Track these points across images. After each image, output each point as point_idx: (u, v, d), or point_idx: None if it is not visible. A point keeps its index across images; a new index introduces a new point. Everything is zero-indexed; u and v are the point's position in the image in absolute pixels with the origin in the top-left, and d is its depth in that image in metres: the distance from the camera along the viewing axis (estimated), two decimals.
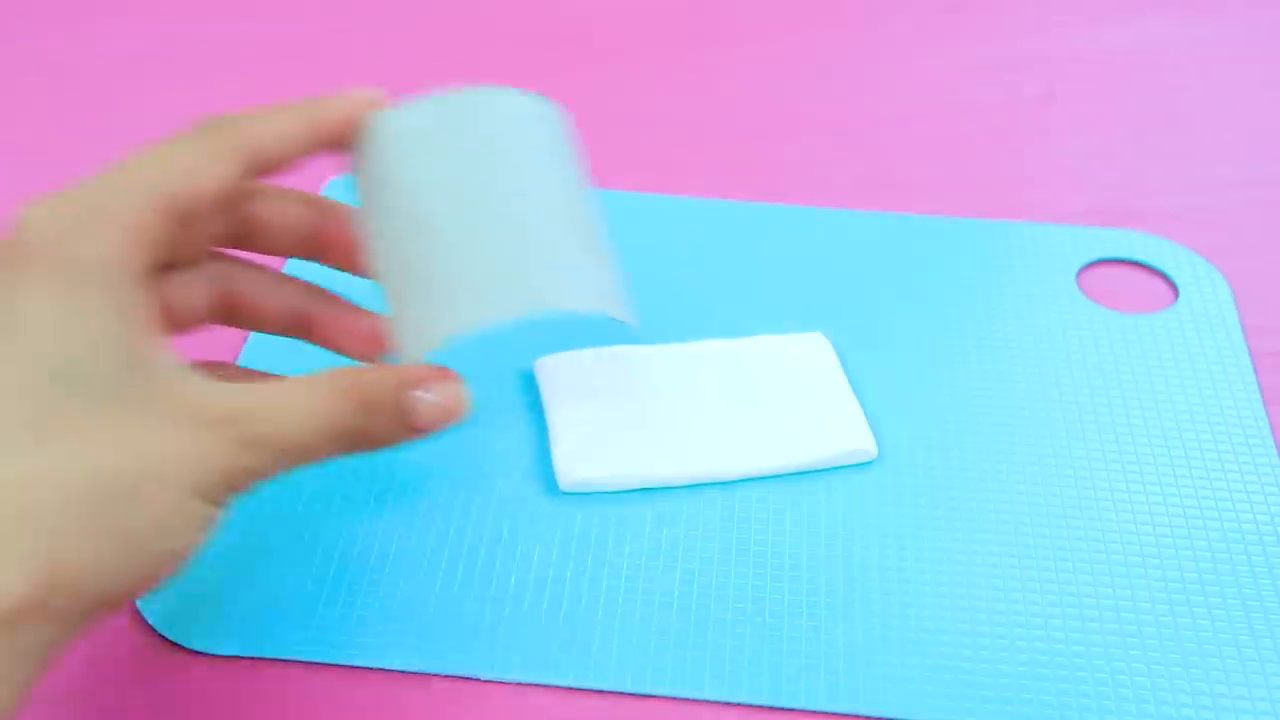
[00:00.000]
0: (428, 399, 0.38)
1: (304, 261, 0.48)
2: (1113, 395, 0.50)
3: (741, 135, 0.63)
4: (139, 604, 0.42)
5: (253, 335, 0.51)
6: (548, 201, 0.39)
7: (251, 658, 0.41)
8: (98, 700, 0.40)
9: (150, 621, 0.42)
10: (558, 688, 0.40)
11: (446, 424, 0.38)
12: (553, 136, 0.41)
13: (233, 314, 0.41)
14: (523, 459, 0.47)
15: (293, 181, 0.59)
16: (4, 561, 0.31)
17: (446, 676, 0.40)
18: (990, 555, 0.44)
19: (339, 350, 0.42)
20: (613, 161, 0.61)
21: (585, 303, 0.38)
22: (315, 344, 0.42)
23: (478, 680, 0.40)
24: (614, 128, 0.63)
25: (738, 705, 0.40)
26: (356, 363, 0.44)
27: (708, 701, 0.40)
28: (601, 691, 0.40)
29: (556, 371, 0.49)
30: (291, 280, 0.42)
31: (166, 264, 0.39)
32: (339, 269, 0.42)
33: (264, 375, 0.41)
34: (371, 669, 0.40)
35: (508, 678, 0.40)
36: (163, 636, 0.41)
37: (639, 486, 0.45)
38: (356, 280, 0.53)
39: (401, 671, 0.40)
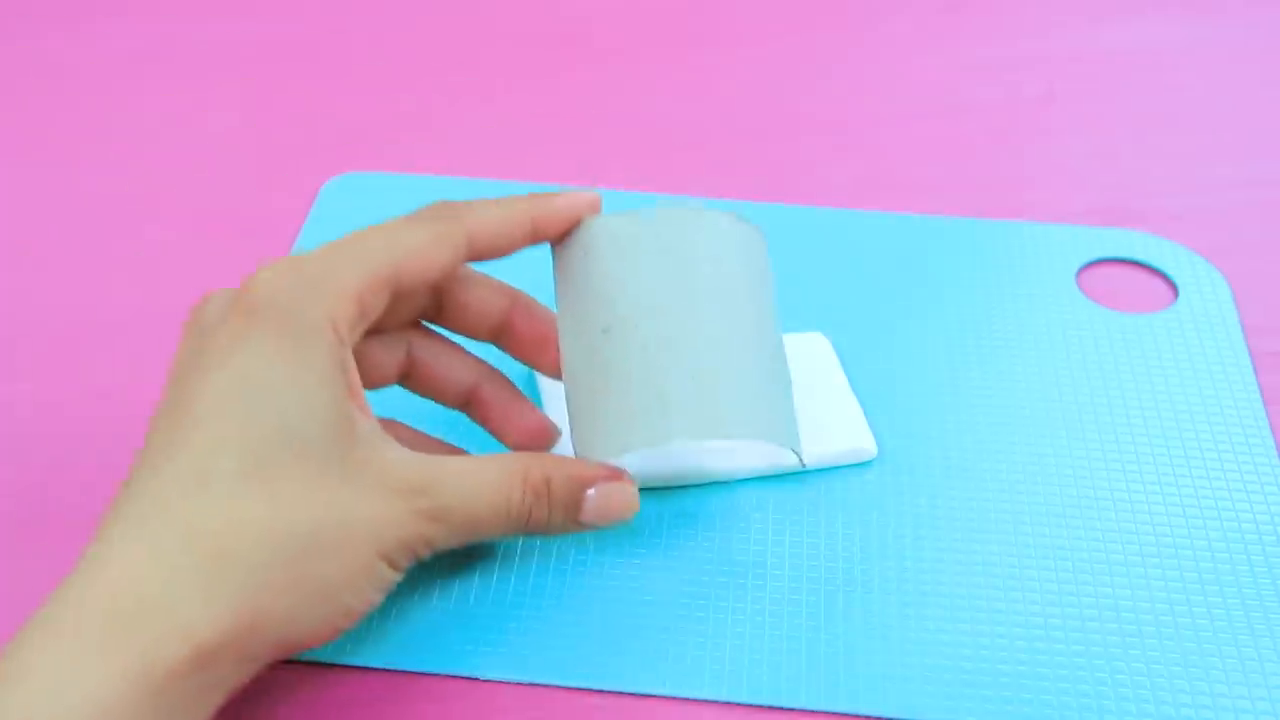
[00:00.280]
0: (599, 498, 0.40)
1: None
2: (1112, 395, 0.50)
3: (741, 135, 0.63)
4: None
5: None
6: (741, 329, 0.41)
7: None
8: None
9: None
10: (557, 687, 0.40)
11: (613, 523, 0.41)
12: (753, 262, 0.43)
13: (415, 380, 0.43)
14: None
15: (294, 180, 0.59)
16: (211, 599, 0.34)
17: (446, 676, 0.40)
18: (990, 555, 0.44)
19: (499, 437, 0.44)
20: (613, 161, 0.61)
21: (764, 434, 0.40)
22: (477, 423, 0.44)
23: (478, 680, 0.40)
24: (614, 128, 0.63)
25: (738, 705, 0.40)
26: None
27: (708, 701, 0.40)
28: (601, 691, 0.40)
29: None
30: (472, 357, 0.44)
31: (369, 329, 0.41)
32: (520, 360, 0.44)
33: (434, 439, 0.43)
34: (371, 669, 0.40)
35: (507, 677, 0.40)
36: None
37: (639, 486, 0.45)
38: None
39: (401, 671, 0.40)
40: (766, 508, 0.45)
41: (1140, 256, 0.56)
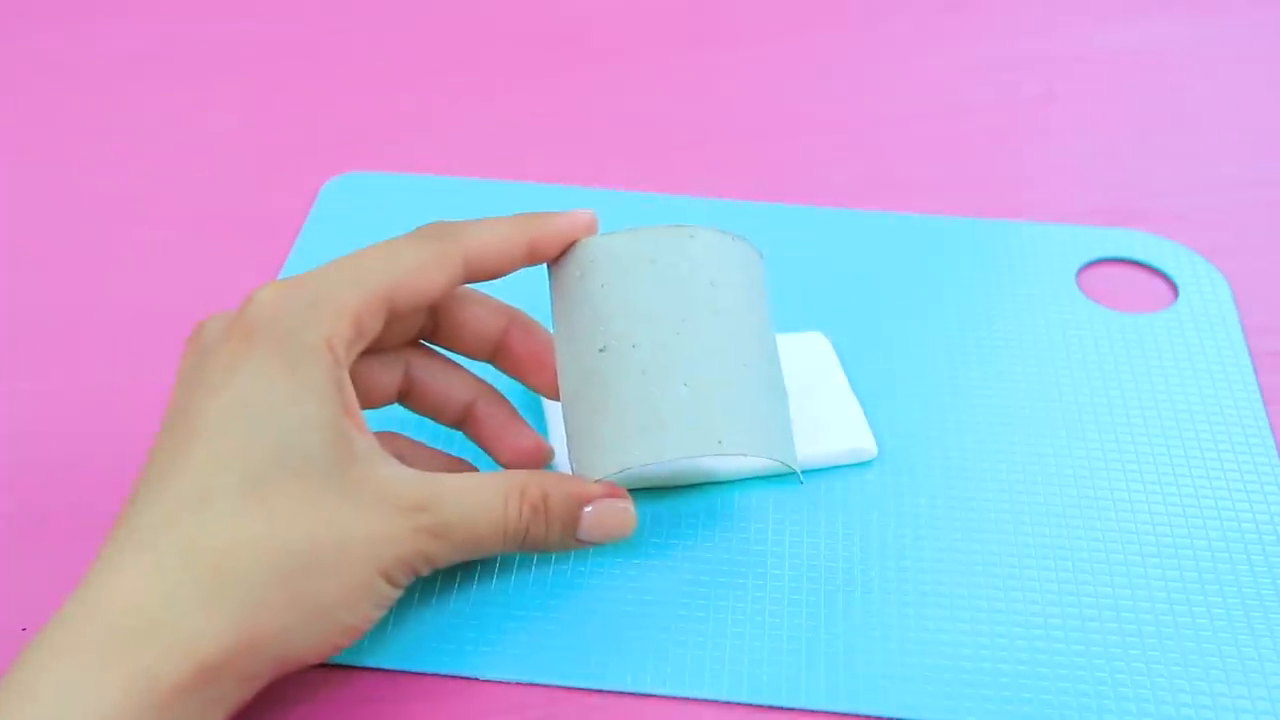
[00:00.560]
0: (597, 515, 0.40)
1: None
2: (1112, 395, 0.50)
3: (741, 135, 0.63)
4: None
5: None
6: (737, 345, 0.41)
7: None
8: None
9: None
10: (557, 687, 0.40)
11: (610, 540, 0.41)
12: (749, 279, 0.43)
13: (414, 399, 0.44)
14: None
15: (294, 180, 0.59)
16: (213, 616, 0.34)
17: (445, 676, 0.40)
18: (990, 555, 0.44)
19: (493, 455, 0.44)
20: (613, 161, 0.61)
21: (761, 449, 0.40)
22: (473, 441, 0.44)
23: (477, 680, 0.40)
24: (614, 128, 0.63)
25: (738, 705, 0.40)
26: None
27: (708, 701, 0.40)
28: (602, 691, 0.40)
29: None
30: (470, 376, 0.44)
31: (367, 348, 0.41)
32: (517, 379, 0.44)
33: (437, 452, 0.44)
34: (371, 669, 0.40)
35: (507, 677, 0.40)
36: None
37: (639, 486, 0.45)
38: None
39: (401, 671, 0.40)
40: (766, 508, 0.45)
41: (1140, 256, 0.56)
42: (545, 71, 0.67)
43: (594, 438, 0.40)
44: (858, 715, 0.40)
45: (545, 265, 0.43)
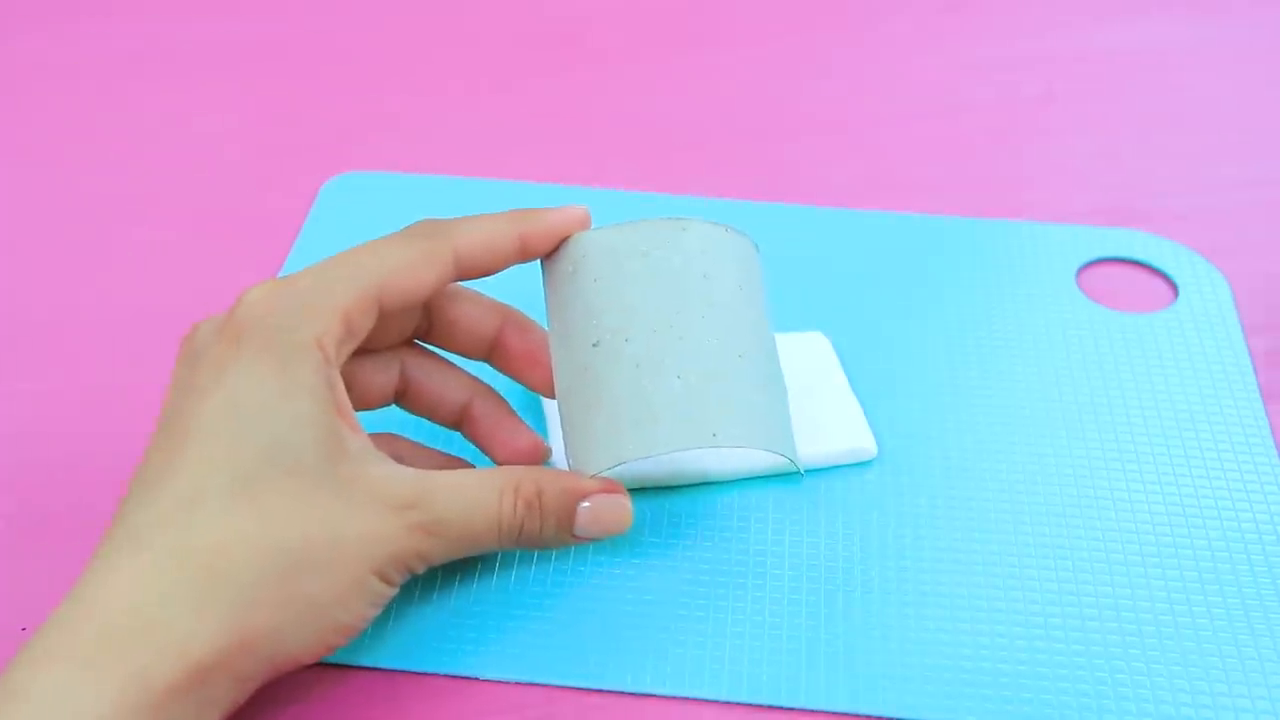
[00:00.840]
0: (592, 510, 0.40)
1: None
2: (1112, 395, 0.50)
3: (741, 135, 0.63)
4: None
5: None
6: (732, 337, 0.41)
7: None
8: None
9: None
10: (557, 687, 0.40)
11: (606, 535, 0.41)
12: (744, 271, 0.43)
13: (411, 400, 0.44)
14: None
15: (294, 180, 0.59)
16: (205, 617, 0.34)
17: (446, 676, 0.40)
18: (990, 555, 0.44)
19: (489, 454, 0.44)
20: (613, 161, 0.61)
21: (757, 441, 0.40)
22: (470, 440, 0.44)
23: (477, 680, 0.40)
24: (614, 128, 0.63)
25: (738, 705, 0.40)
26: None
27: (708, 701, 0.40)
28: (601, 691, 0.40)
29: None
30: (466, 375, 0.44)
31: (360, 348, 0.41)
32: (512, 377, 0.44)
33: (435, 452, 0.44)
34: (371, 669, 0.40)
35: (507, 677, 0.40)
36: None
37: (639, 486, 0.45)
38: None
39: (401, 671, 0.40)
40: (766, 508, 0.45)
41: (1140, 256, 0.56)
42: (545, 71, 0.67)
43: (588, 433, 0.40)
44: (858, 715, 0.40)
45: (539, 262, 0.43)
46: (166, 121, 0.63)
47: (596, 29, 0.70)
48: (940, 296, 0.54)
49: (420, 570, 0.38)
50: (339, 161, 0.61)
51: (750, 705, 0.40)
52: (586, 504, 0.40)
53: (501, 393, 0.45)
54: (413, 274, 0.39)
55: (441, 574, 0.43)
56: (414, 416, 0.46)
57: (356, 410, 0.40)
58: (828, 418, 0.47)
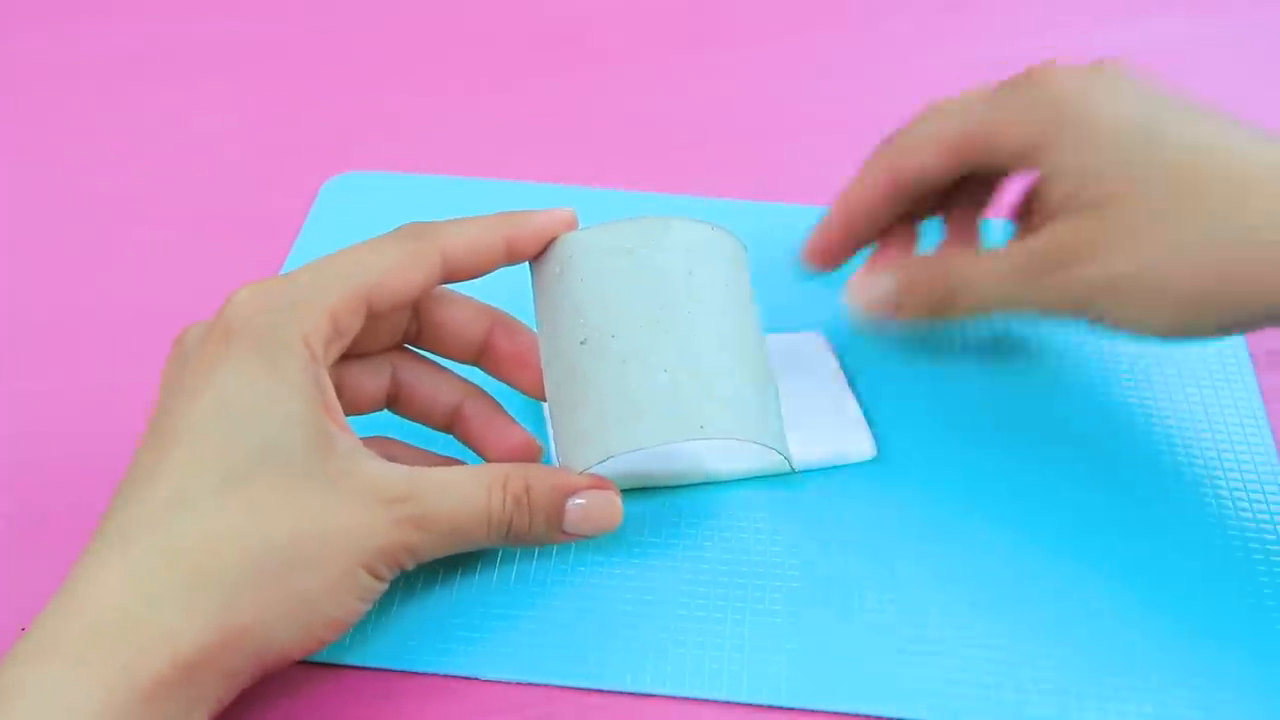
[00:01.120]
0: (582, 507, 0.40)
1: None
2: (1112, 394, 0.50)
3: (741, 135, 0.63)
4: None
5: None
6: (718, 333, 0.41)
7: None
8: None
9: None
10: (557, 687, 0.40)
11: (596, 533, 0.41)
12: (731, 267, 0.43)
13: (403, 404, 0.44)
14: None
15: (294, 180, 0.59)
16: (192, 613, 0.34)
17: (446, 676, 0.40)
18: (990, 555, 0.44)
19: (481, 454, 0.44)
20: (613, 161, 0.61)
21: (747, 434, 0.40)
22: (462, 442, 0.44)
23: (477, 680, 0.40)
24: (614, 128, 0.63)
25: (738, 705, 0.40)
26: None
27: (708, 701, 0.40)
28: (600, 690, 0.40)
29: None
30: (456, 377, 0.44)
31: (350, 353, 0.41)
32: (502, 380, 0.44)
33: (429, 454, 0.44)
34: (370, 669, 0.40)
35: (507, 677, 0.40)
36: None
37: (639, 486, 0.45)
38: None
39: (400, 671, 0.40)
40: (766, 508, 0.45)
41: None
42: (545, 71, 0.67)
43: (576, 429, 0.40)
44: (858, 715, 0.40)
45: (528, 264, 0.43)
46: (166, 121, 0.63)
47: (596, 29, 0.70)
48: None
49: (410, 565, 0.38)
50: (339, 161, 0.61)
51: (750, 705, 0.40)
52: (578, 501, 0.40)
53: (496, 397, 0.45)
54: (400, 275, 0.40)
55: (440, 572, 0.42)
56: (406, 421, 0.46)
57: (348, 415, 0.40)
58: (827, 418, 0.47)
